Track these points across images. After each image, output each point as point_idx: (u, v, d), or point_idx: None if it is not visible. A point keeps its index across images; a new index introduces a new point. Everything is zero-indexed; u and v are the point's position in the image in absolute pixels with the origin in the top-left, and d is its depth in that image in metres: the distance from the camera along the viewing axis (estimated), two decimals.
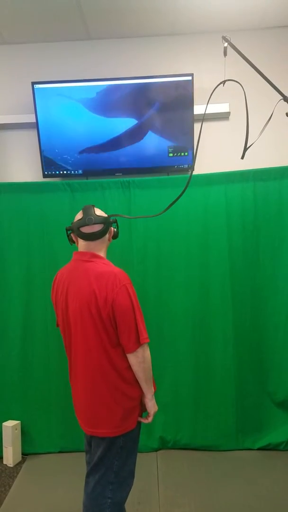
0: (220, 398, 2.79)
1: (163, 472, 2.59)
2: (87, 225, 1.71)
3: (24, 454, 2.84)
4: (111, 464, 1.68)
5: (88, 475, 1.74)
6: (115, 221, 1.85)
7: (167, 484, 2.46)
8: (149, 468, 2.63)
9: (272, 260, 2.78)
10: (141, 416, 1.74)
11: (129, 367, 1.67)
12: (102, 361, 1.64)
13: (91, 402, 1.68)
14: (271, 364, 2.82)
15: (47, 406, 2.84)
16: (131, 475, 1.76)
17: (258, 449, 2.78)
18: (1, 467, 2.74)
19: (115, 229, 1.86)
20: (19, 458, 2.80)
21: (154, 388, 1.77)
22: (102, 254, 1.77)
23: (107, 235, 1.79)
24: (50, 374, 2.83)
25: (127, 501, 1.77)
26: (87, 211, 1.73)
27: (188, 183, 1.90)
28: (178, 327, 2.80)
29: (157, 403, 1.77)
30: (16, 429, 2.79)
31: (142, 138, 2.79)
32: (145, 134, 2.78)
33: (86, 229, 1.73)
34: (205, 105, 2.00)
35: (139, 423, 1.74)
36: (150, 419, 1.74)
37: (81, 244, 1.78)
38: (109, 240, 1.83)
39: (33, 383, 2.84)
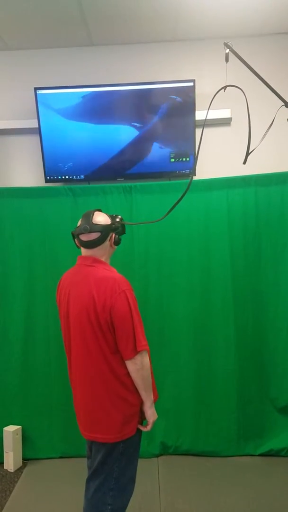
0: (222, 404, 2.78)
1: (164, 478, 2.58)
2: (83, 233, 1.72)
3: (25, 459, 2.83)
4: (111, 470, 1.67)
5: (88, 481, 1.74)
6: (118, 227, 1.81)
7: (168, 490, 2.45)
8: (150, 474, 2.62)
9: (274, 265, 2.78)
10: (141, 423, 1.73)
11: (128, 373, 1.66)
12: (101, 366, 1.64)
13: (91, 407, 1.68)
14: (273, 369, 2.81)
15: (48, 411, 2.84)
16: (132, 481, 1.75)
17: (260, 455, 2.77)
18: (2, 472, 2.73)
19: (116, 236, 1.81)
20: (20, 463, 2.80)
21: (156, 397, 1.76)
22: (103, 259, 1.77)
23: (107, 242, 1.76)
24: (51, 379, 2.82)
25: (128, 507, 1.76)
26: (86, 218, 1.73)
27: (188, 187, 1.90)
28: (179, 332, 2.80)
29: (158, 408, 1.76)
30: (17, 434, 2.78)
31: (151, 150, 2.81)
32: (151, 145, 2.80)
33: (83, 237, 1.73)
34: (207, 111, 2.01)
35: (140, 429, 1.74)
36: (149, 427, 1.72)
37: (83, 250, 1.79)
38: (111, 246, 1.80)
39: (34, 387, 2.84)
